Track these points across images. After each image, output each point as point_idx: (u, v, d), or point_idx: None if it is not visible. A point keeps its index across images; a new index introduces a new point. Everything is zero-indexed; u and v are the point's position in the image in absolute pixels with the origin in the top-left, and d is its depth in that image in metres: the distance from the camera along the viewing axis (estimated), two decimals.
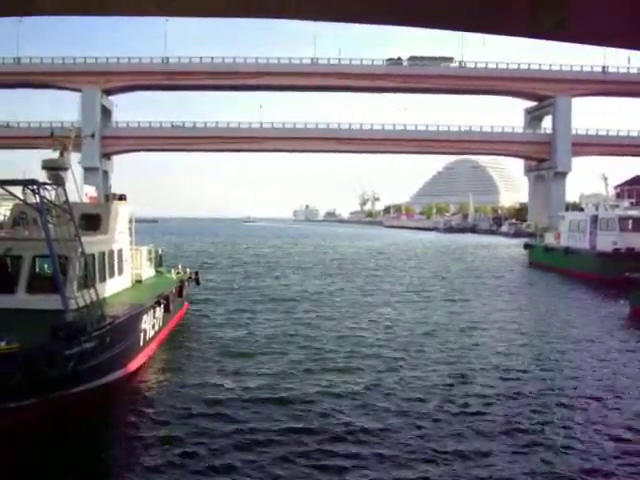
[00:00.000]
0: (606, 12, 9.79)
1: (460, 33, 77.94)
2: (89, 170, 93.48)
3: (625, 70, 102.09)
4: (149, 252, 20.81)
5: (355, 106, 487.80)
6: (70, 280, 12.59)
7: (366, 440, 10.28)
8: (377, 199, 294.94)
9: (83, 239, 12.84)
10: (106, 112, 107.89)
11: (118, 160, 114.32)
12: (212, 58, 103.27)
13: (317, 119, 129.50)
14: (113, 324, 12.16)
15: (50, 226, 11.78)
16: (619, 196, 54.76)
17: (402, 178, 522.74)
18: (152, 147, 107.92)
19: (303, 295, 28.34)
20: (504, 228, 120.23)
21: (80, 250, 12.79)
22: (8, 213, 17.46)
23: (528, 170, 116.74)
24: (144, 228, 37.24)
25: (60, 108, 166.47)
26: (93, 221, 16.10)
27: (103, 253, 15.29)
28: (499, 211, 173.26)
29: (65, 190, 13.08)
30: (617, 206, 40.89)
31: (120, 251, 16.89)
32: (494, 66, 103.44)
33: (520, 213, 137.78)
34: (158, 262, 22.61)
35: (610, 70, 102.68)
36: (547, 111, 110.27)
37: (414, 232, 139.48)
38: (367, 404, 12.15)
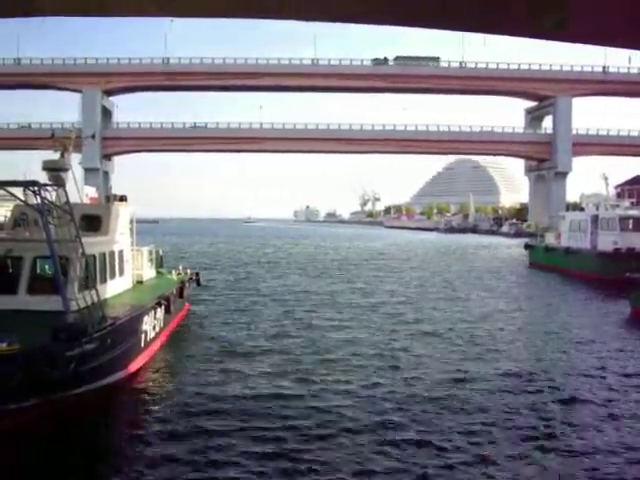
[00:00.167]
0: (606, 12, 9.78)
1: (460, 33, 77.91)
2: (90, 171, 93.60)
3: (626, 70, 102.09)
4: (150, 253, 20.81)
5: (364, 106, 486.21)
6: (71, 281, 12.59)
7: (366, 438, 10.28)
8: (377, 199, 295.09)
9: (84, 240, 12.84)
10: (106, 113, 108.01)
11: (119, 161, 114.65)
12: (213, 59, 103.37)
13: (330, 120, 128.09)
14: (114, 325, 12.15)
15: (51, 227, 11.79)
16: (620, 196, 54.75)
17: (402, 178, 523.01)
18: (152, 148, 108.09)
19: (303, 296, 28.33)
20: (505, 228, 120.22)
21: (81, 251, 12.79)
22: (9, 214, 17.46)
23: (529, 170, 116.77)
24: (145, 229, 37.22)
25: (60, 109, 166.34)
26: (94, 222, 16.09)
27: (104, 254, 15.29)
28: (500, 211, 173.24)
29: (66, 191, 13.09)
30: (618, 206, 40.83)
31: (121, 252, 16.89)
32: (495, 66, 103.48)
33: (521, 213, 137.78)
34: (159, 263, 22.61)
35: (610, 70, 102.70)
36: (547, 111, 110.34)
37: (415, 232, 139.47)
38: (367, 402, 12.16)
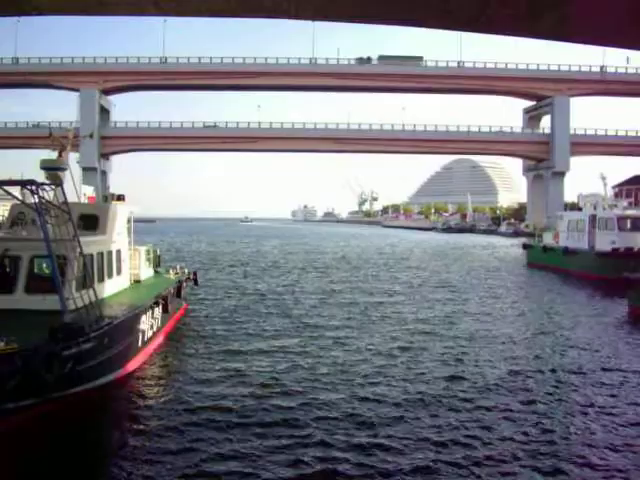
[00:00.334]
0: (606, 12, 9.76)
1: (460, 33, 77.99)
2: (87, 170, 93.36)
3: (623, 70, 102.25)
4: (147, 252, 20.78)
5: (364, 107, 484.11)
6: (68, 280, 12.56)
7: (365, 435, 10.29)
8: (375, 199, 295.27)
9: (81, 239, 12.82)
10: (104, 112, 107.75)
11: (117, 160, 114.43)
12: (211, 58, 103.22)
13: (349, 120, 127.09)
14: (111, 325, 12.14)
15: (48, 226, 11.75)
16: (617, 196, 54.80)
17: (400, 178, 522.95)
18: (150, 147, 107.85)
19: (301, 295, 28.32)
20: (502, 228, 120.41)
21: (78, 250, 12.77)
22: (6, 213, 17.41)
23: (527, 170, 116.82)
24: (142, 228, 37.19)
25: (59, 108, 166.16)
26: (91, 221, 16.06)
27: (101, 253, 15.26)
28: (497, 211, 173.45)
29: (63, 190, 13.07)
30: (615, 206, 40.88)
31: (118, 251, 16.86)
32: (493, 66, 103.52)
33: (519, 213, 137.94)
34: (156, 262, 22.59)
35: (608, 70, 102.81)
36: (546, 111, 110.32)
37: (412, 232, 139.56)
38: (367, 400, 12.17)
